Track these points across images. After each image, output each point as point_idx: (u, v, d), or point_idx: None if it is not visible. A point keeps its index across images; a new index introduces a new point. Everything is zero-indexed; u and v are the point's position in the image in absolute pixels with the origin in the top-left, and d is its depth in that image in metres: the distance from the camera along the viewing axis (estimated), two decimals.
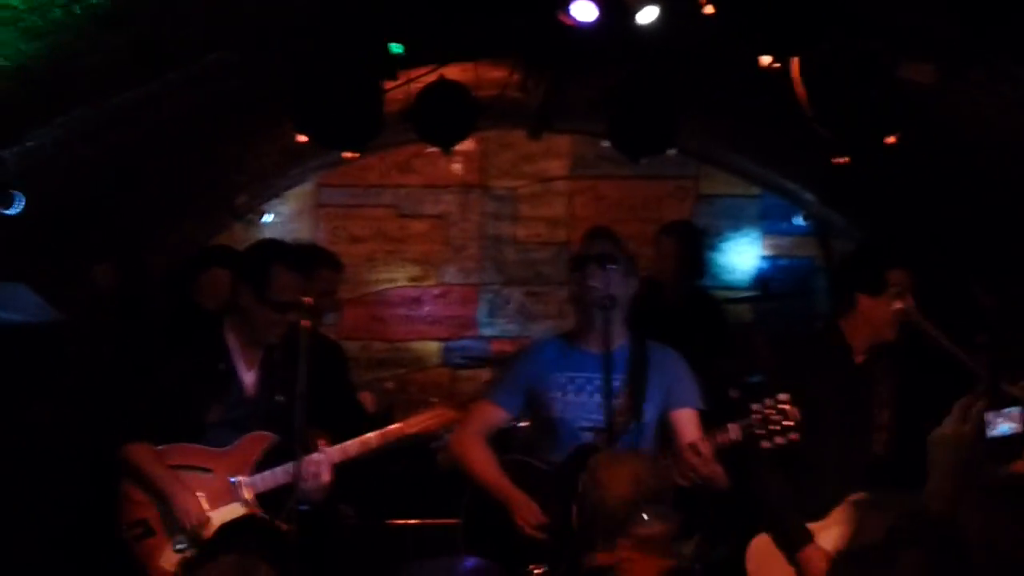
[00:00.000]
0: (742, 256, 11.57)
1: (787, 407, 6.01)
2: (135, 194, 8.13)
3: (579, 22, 5.63)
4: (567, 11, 5.65)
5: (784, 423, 6.01)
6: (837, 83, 5.43)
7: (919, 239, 8.39)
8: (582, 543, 5.63)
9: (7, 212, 6.13)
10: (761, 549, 6.48)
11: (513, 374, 6.85)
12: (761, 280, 11.40)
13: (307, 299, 6.49)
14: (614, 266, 6.42)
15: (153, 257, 9.74)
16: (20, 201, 6.15)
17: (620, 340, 6.55)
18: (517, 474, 6.60)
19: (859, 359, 6.69)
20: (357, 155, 6.89)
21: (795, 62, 5.31)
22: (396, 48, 6.05)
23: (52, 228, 7.29)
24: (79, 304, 7.84)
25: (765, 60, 4.96)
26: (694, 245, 9.62)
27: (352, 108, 6.65)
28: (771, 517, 6.47)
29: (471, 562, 3.44)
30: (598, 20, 5.62)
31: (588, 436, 6.41)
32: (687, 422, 6.51)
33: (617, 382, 6.43)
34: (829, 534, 6.32)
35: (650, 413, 6.49)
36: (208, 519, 6.57)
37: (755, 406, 6.07)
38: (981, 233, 7.88)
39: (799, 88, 5.20)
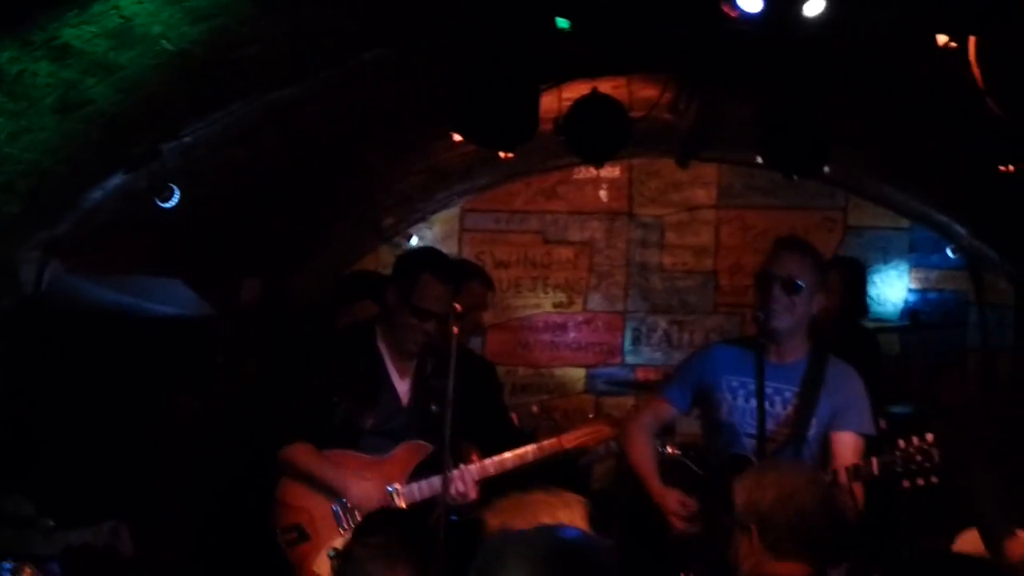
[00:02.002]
0: (890, 289, 11.37)
1: (932, 449, 5.89)
2: (284, 204, 8.13)
3: (744, 13, 5.48)
4: (733, 2, 5.50)
5: (926, 464, 5.91)
6: (1016, 68, 5.25)
7: None
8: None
9: (164, 205, 6.13)
10: (968, 544, 6.30)
11: (686, 371, 6.80)
12: (910, 312, 11.17)
13: (457, 305, 6.46)
14: (796, 295, 6.32)
15: (300, 276, 9.76)
16: (176, 195, 6.16)
17: (800, 354, 6.44)
18: (674, 474, 6.56)
19: None
20: (511, 155, 6.82)
21: (972, 43, 5.14)
22: (562, 23, 5.97)
23: (204, 231, 7.30)
24: (226, 312, 7.85)
25: (941, 39, 4.83)
26: (859, 282, 9.46)
27: (509, 108, 6.60)
28: (979, 510, 6.23)
29: (571, 532, 3.30)
30: (763, 11, 5.47)
31: (751, 443, 6.31)
32: (844, 446, 6.33)
33: (788, 394, 6.34)
34: None
35: (815, 429, 6.36)
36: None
37: (901, 442, 5.96)
38: None
39: (975, 70, 5.04)
